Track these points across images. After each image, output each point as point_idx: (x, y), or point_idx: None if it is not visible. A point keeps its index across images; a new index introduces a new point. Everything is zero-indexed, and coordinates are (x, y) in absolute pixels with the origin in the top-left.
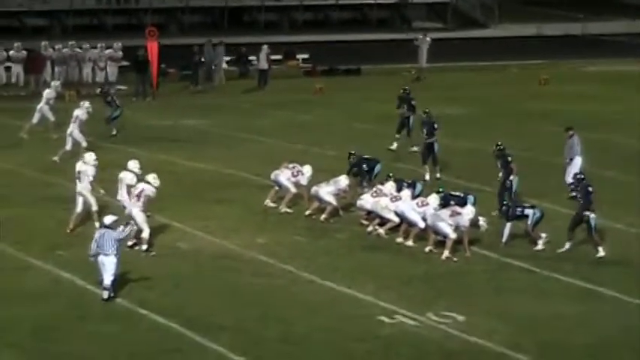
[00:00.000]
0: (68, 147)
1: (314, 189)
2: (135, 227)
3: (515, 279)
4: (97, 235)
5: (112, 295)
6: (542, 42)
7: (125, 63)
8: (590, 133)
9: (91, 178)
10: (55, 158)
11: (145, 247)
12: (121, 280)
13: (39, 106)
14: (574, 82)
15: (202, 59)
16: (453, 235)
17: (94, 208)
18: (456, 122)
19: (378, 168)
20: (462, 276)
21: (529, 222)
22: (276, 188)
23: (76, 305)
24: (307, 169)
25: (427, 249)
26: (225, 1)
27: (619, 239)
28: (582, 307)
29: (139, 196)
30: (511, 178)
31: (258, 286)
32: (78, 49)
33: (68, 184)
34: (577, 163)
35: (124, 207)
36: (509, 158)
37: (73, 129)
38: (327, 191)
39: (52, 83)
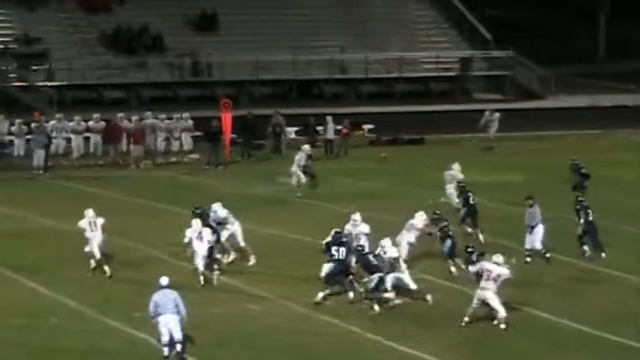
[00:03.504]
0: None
1: (398, 239)
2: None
3: None
4: (156, 296)
5: (183, 356)
6: (596, 112)
7: (197, 133)
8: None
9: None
10: None
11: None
12: (190, 338)
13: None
14: (626, 151)
15: (271, 129)
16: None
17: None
18: (516, 188)
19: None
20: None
21: None
22: None
23: None
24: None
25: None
26: (294, 74)
27: None
28: None
29: None
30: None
31: (324, 345)
32: (154, 120)
33: (143, 247)
34: (539, 231)
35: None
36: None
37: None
38: (407, 240)
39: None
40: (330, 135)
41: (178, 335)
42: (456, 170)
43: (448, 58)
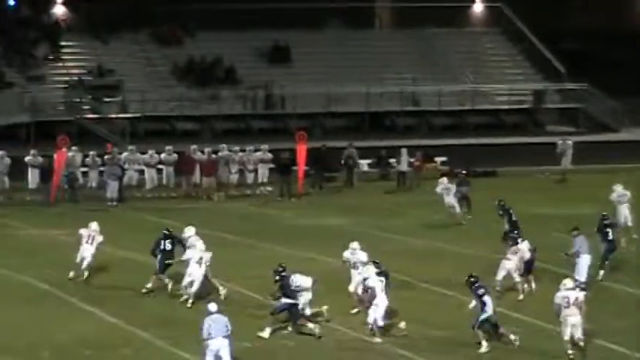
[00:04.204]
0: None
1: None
2: None
3: None
4: (209, 320)
5: None
6: None
7: (272, 165)
8: None
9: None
10: None
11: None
12: None
13: None
14: None
15: (343, 161)
16: None
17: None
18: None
19: None
20: None
21: None
22: None
23: None
24: None
25: None
26: (367, 106)
27: None
28: None
29: None
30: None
31: None
32: (227, 152)
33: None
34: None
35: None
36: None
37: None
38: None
39: None
40: (404, 167)
41: (227, 356)
42: (620, 189)
43: (521, 91)
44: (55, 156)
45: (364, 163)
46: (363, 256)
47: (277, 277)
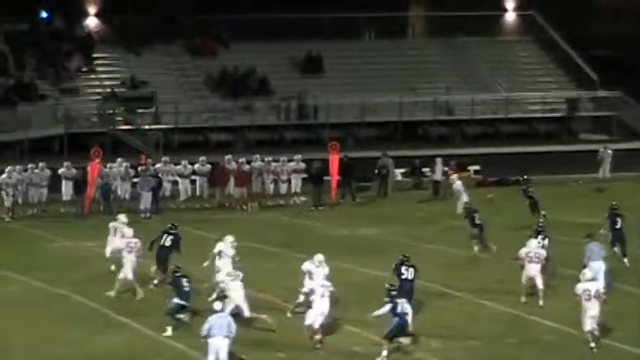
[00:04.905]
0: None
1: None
2: None
3: None
4: (212, 319)
5: None
6: None
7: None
8: None
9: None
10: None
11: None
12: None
13: None
14: None
15: (377, 171)
16: None
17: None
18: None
19: None
20: None
21: None
22: None
23: None
24: None
25: None
26: (400, 116)
27: None
28: None
29: None
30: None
31: None
32: (261, 162)
33: (252, 291)
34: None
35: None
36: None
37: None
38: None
39: None
40: (438, 176)
41: (224, 355)
42: None
43: (554, 99)
44: (89, 167)
45: (398, 173)
46: (326, 269)
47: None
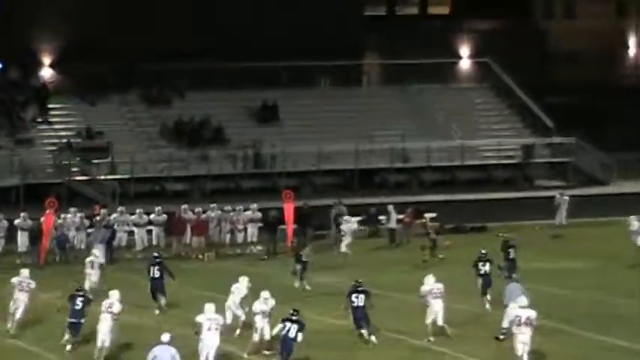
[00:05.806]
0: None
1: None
2: None
3: None
4: (157, 350)
5: None
6: None
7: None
8: None
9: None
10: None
11: None
12: None
13: None
14: None
15: (333, 219)
16: None
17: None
18: (578, 275)
19: None
20: None
21: None
22: None
23: None
24: None
25: None
26: (356, 163)
27: None
28: None
29: None
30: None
31: None
32: (219, 212)
33: None
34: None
35: None
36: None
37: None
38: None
39: None
40: (392, 224)
41: None
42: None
43: (510, 145)
44: (44, 218)
45: (354, 221)
46: (272, 303)
47: None
